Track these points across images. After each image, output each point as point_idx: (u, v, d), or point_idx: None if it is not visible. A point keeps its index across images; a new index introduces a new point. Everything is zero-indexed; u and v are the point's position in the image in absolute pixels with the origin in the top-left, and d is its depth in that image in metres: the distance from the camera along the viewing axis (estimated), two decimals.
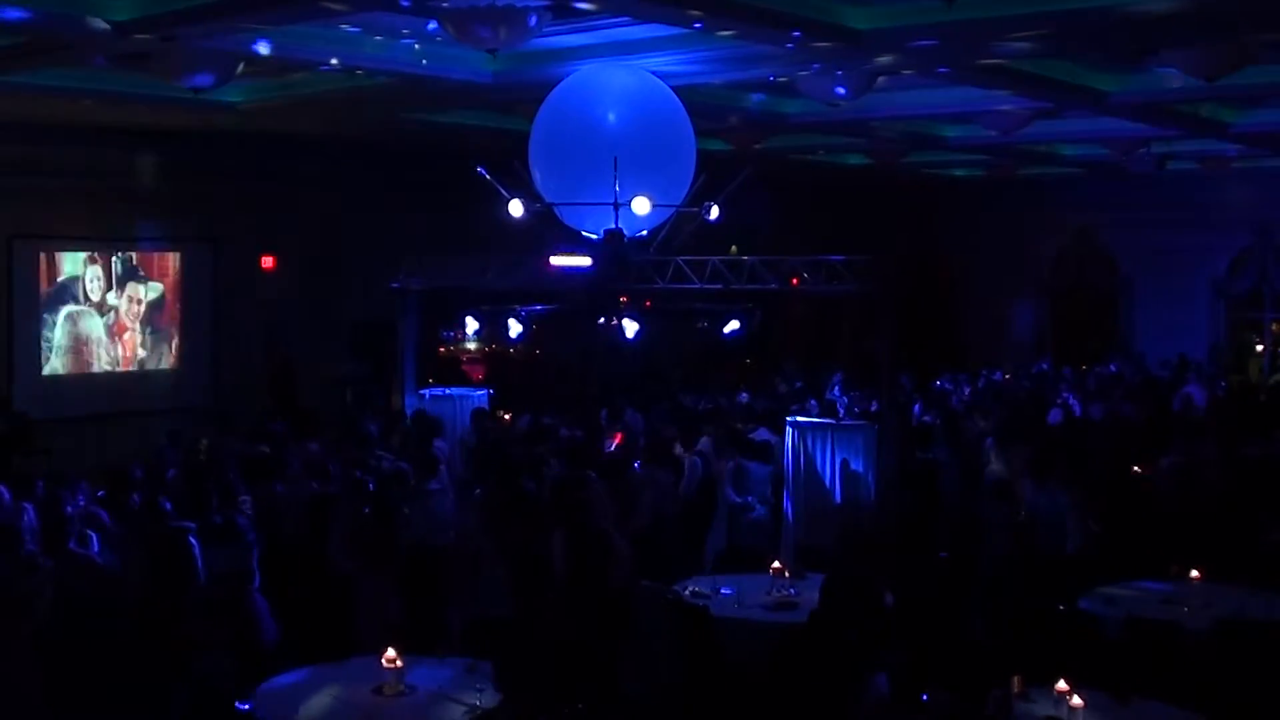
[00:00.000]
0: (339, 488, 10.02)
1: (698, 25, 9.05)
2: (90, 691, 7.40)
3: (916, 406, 14.79)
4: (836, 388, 16.35)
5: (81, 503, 9.40)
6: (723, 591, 8.70)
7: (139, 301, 16.30)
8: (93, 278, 15.86)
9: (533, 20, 8.28)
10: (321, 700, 6.78)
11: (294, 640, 7.94)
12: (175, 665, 7.47)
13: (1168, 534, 10.17)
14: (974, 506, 10.72)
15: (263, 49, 9.64)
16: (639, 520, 10.40)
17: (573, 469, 10.38)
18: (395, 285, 13.85)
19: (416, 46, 10.12)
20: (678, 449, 12.00)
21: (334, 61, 10.29)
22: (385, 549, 8.77)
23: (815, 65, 10.31)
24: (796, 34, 8.98)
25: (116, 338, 16.16)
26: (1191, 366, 18.72)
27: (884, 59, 10.01)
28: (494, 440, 12.31)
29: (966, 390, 16.99)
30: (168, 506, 8.97)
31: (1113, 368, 19.09)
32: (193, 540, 8.22)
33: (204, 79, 9.86)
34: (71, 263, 15.66)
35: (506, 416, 14.23)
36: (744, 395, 15.92)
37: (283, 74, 11.59)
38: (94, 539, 8.44)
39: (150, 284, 16.42)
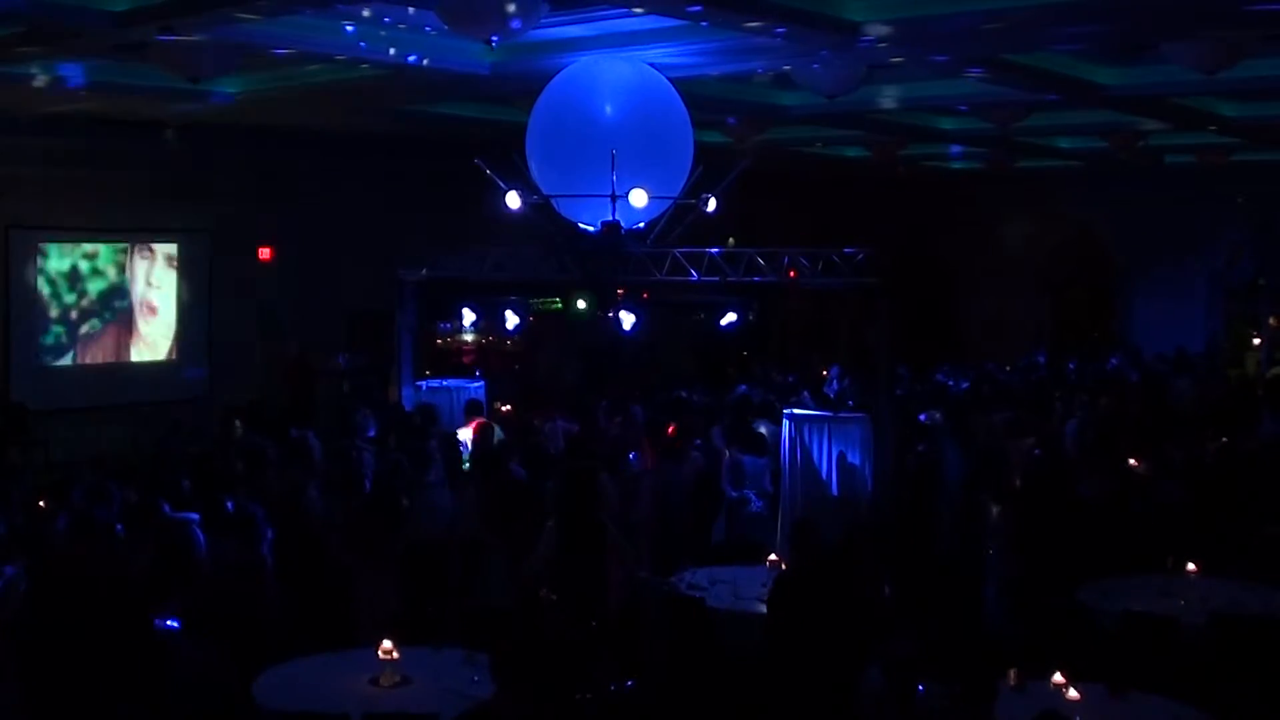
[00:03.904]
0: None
1: (704, 23, 9.00)
2: (84, 682, 7.38)
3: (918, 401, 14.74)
4: (834, 381, 16.29)
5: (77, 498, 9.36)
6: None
7: (136, 293, 16.28)
8: (90, 268, 15.83)
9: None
10: (319, 690, 6.79)
11: (293, 630, 7.93)
12: (172, 654, 7.45)
13: (1163, 527, 10.18)
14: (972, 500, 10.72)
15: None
16: (640, 512, 10.39)
17: (574, 460, 10.35)
18: (393, 277, 13.82)
19: (427, 29, 10.06)
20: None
21: (345, 55, 10.25)
22: (384, 544, 8.75)
23: (812, 57, 10.27)
24: (793, 26, 8.95)
25: (113, 328, 16.13)
26: (1185, 362, 18.72)
27: (880, 50, 9.98)
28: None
29: (965, 384, 16.96)
30: (165, 502, 8.93)
31: (1114, 362, 19.07)
32: (197, 532, 8.21)
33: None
34: (69, 253, 15.65)
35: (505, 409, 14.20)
36: (743, 387, 15.84)
37: (280, 65, 11.55)
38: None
39: (148, 274, 16.39)
